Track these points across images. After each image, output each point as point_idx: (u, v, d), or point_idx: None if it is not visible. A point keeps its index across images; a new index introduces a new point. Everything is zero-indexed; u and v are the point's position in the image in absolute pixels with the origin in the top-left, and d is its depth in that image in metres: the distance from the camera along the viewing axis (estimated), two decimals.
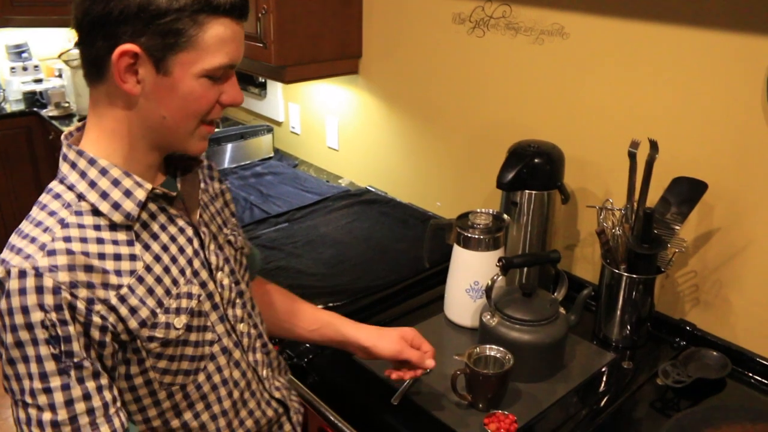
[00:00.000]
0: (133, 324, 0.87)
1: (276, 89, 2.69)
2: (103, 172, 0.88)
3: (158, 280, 0.91)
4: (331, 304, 1.54)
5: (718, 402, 1.28)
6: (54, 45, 3.78)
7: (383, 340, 1.19)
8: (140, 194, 0.89)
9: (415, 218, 2.03)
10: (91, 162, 0.88)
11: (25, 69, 3.65)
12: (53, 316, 0.80)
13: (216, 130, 0.93)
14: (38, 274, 0.80)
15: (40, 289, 0.80)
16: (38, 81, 3.64)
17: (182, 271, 0.94)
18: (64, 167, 0.90)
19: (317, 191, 2.28)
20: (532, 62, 1.66)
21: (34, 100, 3.55)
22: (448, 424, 1.20)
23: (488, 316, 1.34)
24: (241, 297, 1.06)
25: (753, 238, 1.35)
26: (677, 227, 1.37)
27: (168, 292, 0.91)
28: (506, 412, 1.19)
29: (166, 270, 0.92)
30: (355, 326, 1.23)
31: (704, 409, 1.22)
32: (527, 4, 1.62)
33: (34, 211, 0.88)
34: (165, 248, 0.93)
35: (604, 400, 1.28)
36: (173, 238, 0.94)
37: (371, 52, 2.16)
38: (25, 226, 0.87)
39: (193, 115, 0.88)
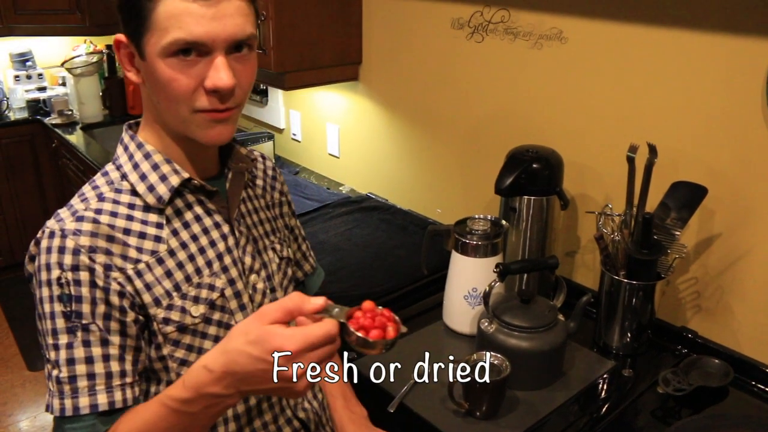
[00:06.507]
0: (147, 299, 0.90)
1: (277, 96, 2.69)
2: (147, 156, 0.94)
3: (180, 265, 0.94)
4: None
5: (720, 411, 1.26)
6: (57, 53, 3.81)
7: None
8: (174, 180, 0.93)
9: (415, 225, 2.02)
10: (139, 146, 0.95)
11: (29, 77, 3.67)
12: (69, 275, 0.85)
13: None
14: (63, 235, 0.86)
15: (61, 249, 0.86)
16: (42, 89, 3.66)
17: (209, 263, 0.97)
18: (118, 149, 0.97)
19: (318, 198, 2.27)
20: (530, 67, 1.65)
21: (37, 108, 3.56)
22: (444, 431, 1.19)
23: (486, 323, 1.33)
24: None
25: (755, 244, 1.33)
26: (677, 233, 1.35)
27: (188, 279, 0.94)
28: (381, 308, 0.86)
29: (191, 258, 0.95)
30: None
31: (705, 417, 1.20)
32: (525, 9, 1.61)
33: (85, 187, 0.95)
34: (195, 238, 0.96)
35: (604, 408, 1.27)
36: (206, 231, 0.97)
37: (371, 58, 2.16)
38: (73, 198, 0.94)
39: (174, 100, 0.86)
